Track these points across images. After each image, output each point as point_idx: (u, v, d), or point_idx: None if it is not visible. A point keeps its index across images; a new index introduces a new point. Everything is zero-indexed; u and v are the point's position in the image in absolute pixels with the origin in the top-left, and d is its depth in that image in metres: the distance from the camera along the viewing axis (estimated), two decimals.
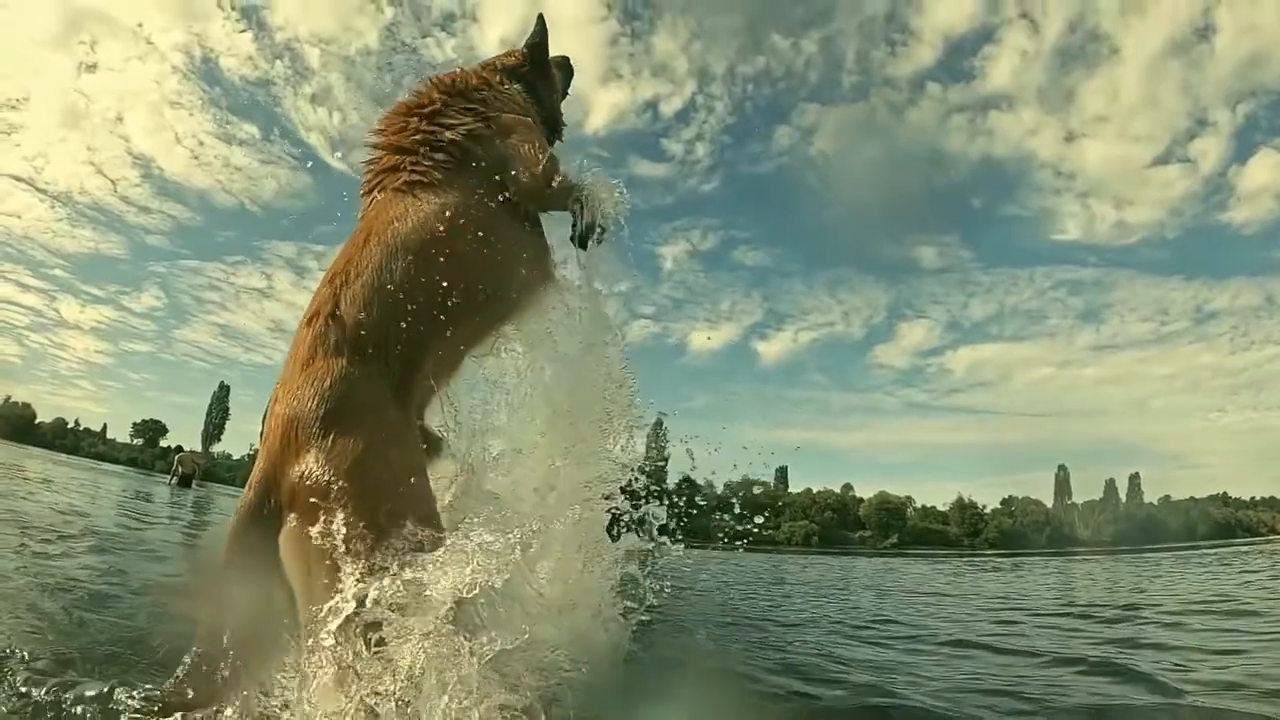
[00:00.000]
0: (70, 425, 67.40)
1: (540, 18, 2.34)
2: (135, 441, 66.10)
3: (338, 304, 1.62)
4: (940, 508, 58.57)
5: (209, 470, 41.26)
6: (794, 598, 5.45)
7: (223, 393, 66.82)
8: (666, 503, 2.38)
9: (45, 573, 2.51)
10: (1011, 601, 5.50)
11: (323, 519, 1.37)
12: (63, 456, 35.48)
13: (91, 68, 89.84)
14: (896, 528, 54.80)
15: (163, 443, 64.39)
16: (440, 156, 1.87)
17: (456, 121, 1.93)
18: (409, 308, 1.64)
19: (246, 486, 1.50)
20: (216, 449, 64.68)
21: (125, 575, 2.72)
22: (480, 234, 1.77)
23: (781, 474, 58.48)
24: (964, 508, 57.48)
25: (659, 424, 2.57)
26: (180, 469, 20.95)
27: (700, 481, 2.49)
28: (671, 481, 2.44)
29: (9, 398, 67.30)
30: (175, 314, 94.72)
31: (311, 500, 1.39)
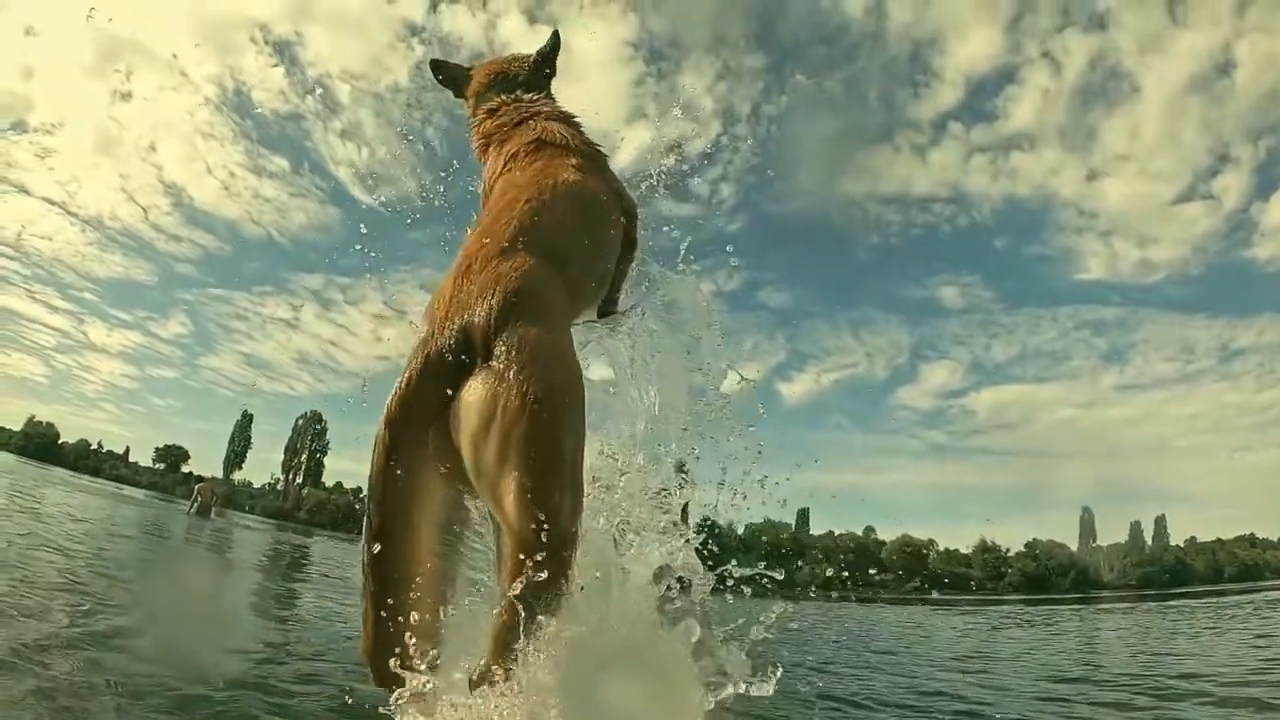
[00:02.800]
0: (93, 447, 68.15)
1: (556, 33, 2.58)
2: (157, 466, 66.68)
3: (539, 216, 1.76)
4: (963, 550, 57.30)
5: (229, 498, 41.46)
6: (861, 666, 5.30)
7: (245, 421, 67.20)
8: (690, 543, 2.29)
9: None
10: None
11: (543, 380, 1.45)
12: (85, 480, 35.87)
13: (126, 96, 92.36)
14: (918, 571, 53.67)
15: (184, 468, 64.88)
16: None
17: None
18: (579, 253, 1.84)
19: (428, 342, 1.51)
20: (237, 476, 64.99)
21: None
22: (612, 229, 2.07)
23: (803, 516, 57.68)
24: (987, 550, 56.19)
25: (681, 465, 2.55)
26: (199, 498, 21.10)
27: (722, 523, 2.43)
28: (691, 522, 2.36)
29: (33, 417, 68.30)
30: (201, 341, 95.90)
31: (534, 361, 1.46)
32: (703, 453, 2.51)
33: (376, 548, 1.46)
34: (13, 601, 2.47)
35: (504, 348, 1.47)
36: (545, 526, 1.39)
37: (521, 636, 1.40)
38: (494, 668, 1.41)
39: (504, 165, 2.14)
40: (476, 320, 1.50)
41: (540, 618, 1.41)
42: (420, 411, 1.48)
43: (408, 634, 1.46)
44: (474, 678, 1.42)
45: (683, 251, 2.59)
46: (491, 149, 2.27)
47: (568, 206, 1.88)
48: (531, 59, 2.50)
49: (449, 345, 1.49)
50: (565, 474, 1.46)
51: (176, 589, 3.92)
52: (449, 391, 1.48)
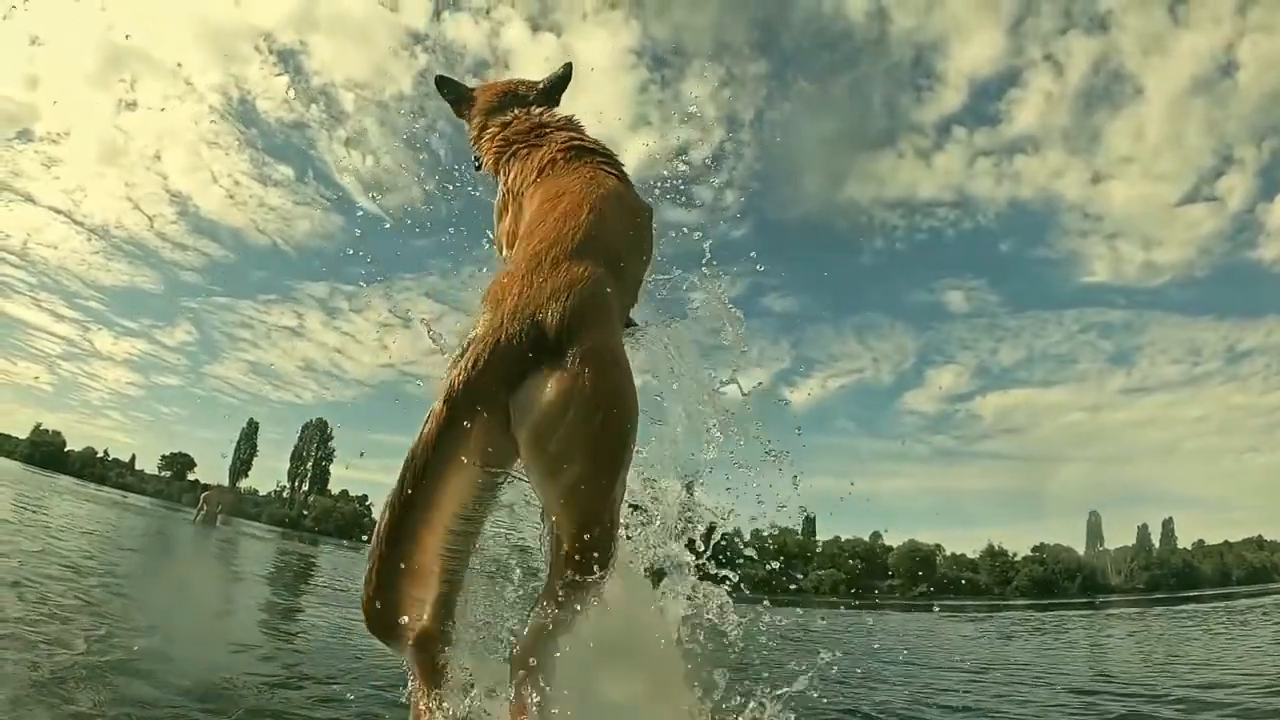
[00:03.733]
0: (99, 455, 68.30)
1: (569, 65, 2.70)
2: (163, 474, 66.79)
3: (601, 224, 1.85)
4: (970, 555, 57.01)
5: (236, 506, 41.49)
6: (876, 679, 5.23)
7: (251, 429, 67.42)
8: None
9: None
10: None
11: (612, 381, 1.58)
12: (90, 488, 35.94)
13: (131, 105, 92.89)
14: (926, 576, 53.39)
15: (190, 476, 64.96)
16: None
17: None
18: (630, 262, 1.96)
19: (497, 331, 1.57)
20: (243, 484, 65.09)
21: None
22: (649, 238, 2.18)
23: (809, 523, 57.55)
24: (994, 555, 55.94)
25: (689, 484, 2.56)
26: (205, 507, 21.22)
27: (728, 531, 2.50)
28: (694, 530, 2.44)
29: (40, 425, 68.47)
30: (206, 349, 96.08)
31: (605, 365, 1.58)
32: (715, 463, 2.53)
33: (399, 514, 1.53)
34: (33, 627, 2.45)
35: (577, 351, 1.56)
36: (600, 521, 1.55)
37: (567, 619, 1.56)
38: (533, 651, 1.56)
39: (539, 171, 2.20)
40: (549, 319, 1.57)
41: (583, 602, 1.57)
42: (482, 395, 1.54)
43: (410, 596, 1.59)
44: (514, 657, 1.58)
45: (707, 254, 2.66)
46: (515, 157, 2.33)
47: (620, 216, 2.00)
48: (541, 84, 2.60)
49: (519, 337, 1.56)
50: (621, 476, 1.61)
51: (190, 608, 3.90)
52: (512, 380, 1.56)
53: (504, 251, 2.36)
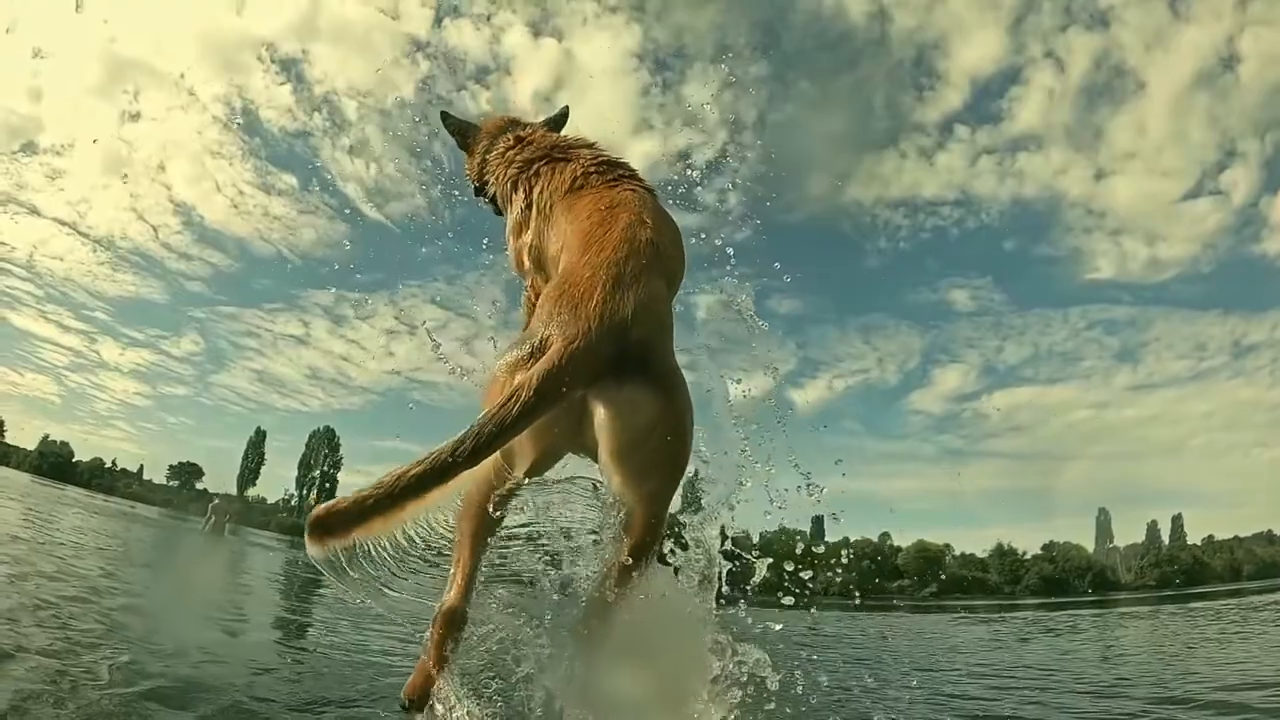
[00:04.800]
0: (107, 465, 68.56)
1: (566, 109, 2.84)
2: (171, 483, 67.05)
3: (661, 242, 1.99)
4: (979, 555, 56.79)
5: (244, 515, 41.60)
6: (900, 685, 5.19)
7: (259, 438, 67.63)
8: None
9: None
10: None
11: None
12: (99, 499, 36.03)
13: (134, 116, 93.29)
14: (935, 576, 53.19)
15: (198, 485, 65.18)
16: None
17: None
18: (677, 281, 2.14)
19: (585, 334, 1.69)
20: (251, 493, 65.30)
21: None
22: None
23: (817, 524, 57.47)
24: (1004, 554, 55.74)
25: (695, 473, 2.58)
26: (213, 517, 21.37)
27: (735, 534, 2.54)
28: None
29: (48, 436, 68.78)
30: (213, 359, 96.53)
31: (680, 388, 1.84)
32: (721, 463, 2.53)
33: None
34: (58, 658, 2.43)
35: (659, 371, 1.79)
36: (662, 521, 1.88)
37: (623, 595, 1.86)
38: (592, 621, 1.90)
39: (569, 185, 2.26)
40: (634, 334, 1.74)
41: (635, 582, 1.87)
42: (565, 390, 1.66)
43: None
44: (574, 629, 1.92)
45: (733, 262, 2.70)
46: (538, 174, 2.39)
47: (670, 234, 2.15)
48: (540, 121, 2.74)
49: (605, 344, 1.70)
50: (681, 482, 1.91)
51: (209, 628, 3.89)
52: (592, 383, 1.71)
53: (525, 265, 2.38)
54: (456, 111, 2.83)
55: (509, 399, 1.62)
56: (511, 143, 2.57)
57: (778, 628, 2.49)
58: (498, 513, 1.89)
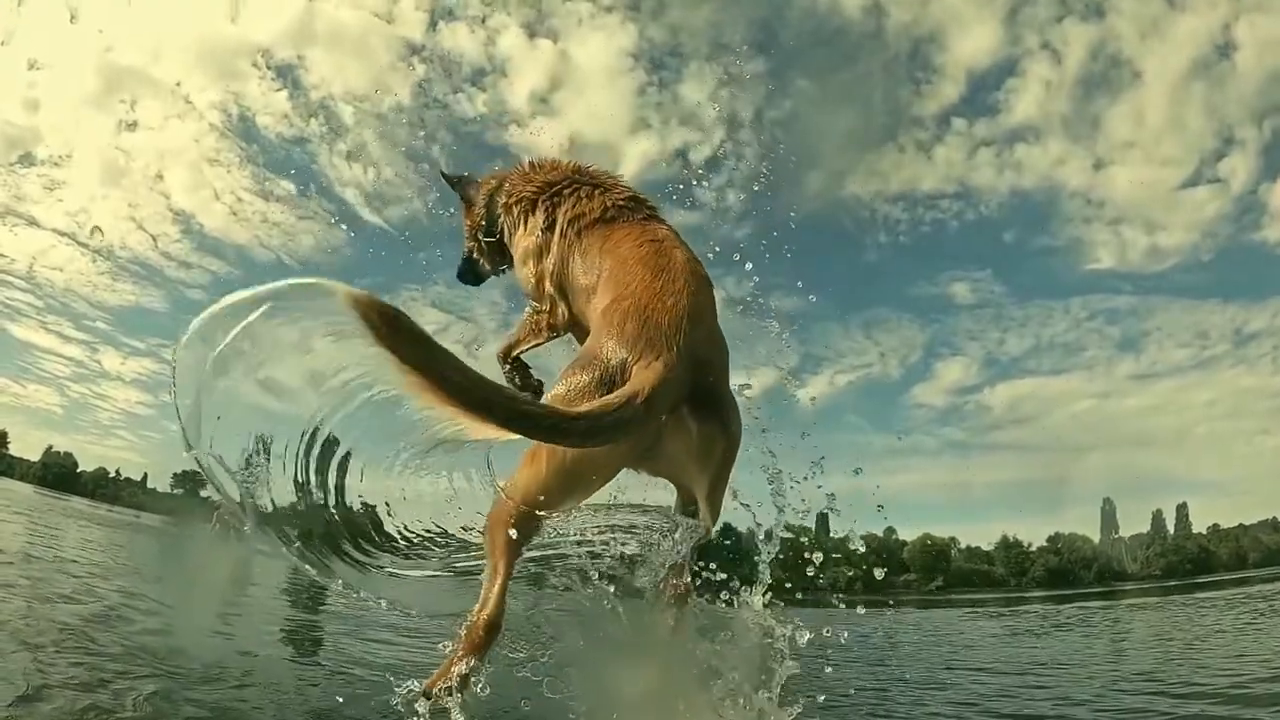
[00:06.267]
0: (111, 475, 68.46)
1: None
2: (175, 491, 66.95)
3: (707, 282, 2.15)
4: (985, 548, 56.79)
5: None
6: (923, 683, 5.15)
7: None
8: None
9: None
10: None
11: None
12: (103, 509, 35.94)
13: (132, 126, 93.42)
14: (941, 570, 53.17)
15: (203, 494, 65.02)
16: None
17: None
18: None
19: (675, 361, 1.80)
20: None
21: None
22: None
23: (822, 520, 57.48)
24: (1009, 547, 55.70)
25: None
26: (218, 524, 21.25)
27: (743, 530, 2.62)
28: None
29: (51, 447, 68.70)
30: (214, 366, 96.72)
31: (738, 417, 2.06)
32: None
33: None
34: (88, 691, 2.38)
35: (728, 401, 2.03)
36: (719, 512, 2.13)
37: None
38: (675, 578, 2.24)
39: (600, 215, 2.29)
40: (711, 374, 1.94)
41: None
42: (657, 409, 1.74)
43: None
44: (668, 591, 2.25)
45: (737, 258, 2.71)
46: (562, 197, 2.38)
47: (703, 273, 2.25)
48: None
49: (690, 374, 1.84)
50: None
51: (230, 648, 3.85)
52: (675, 406, 1.84)
53: (546, 289, 2.36)
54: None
55: (624, 402, 1.65)
56: (528, 168, 2.56)
57: (806, 636, 2.48)
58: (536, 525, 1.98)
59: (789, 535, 2.47)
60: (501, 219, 2.55)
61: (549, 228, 2.33)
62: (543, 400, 2.03)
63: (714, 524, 2.11)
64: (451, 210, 2.89)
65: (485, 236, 2.64)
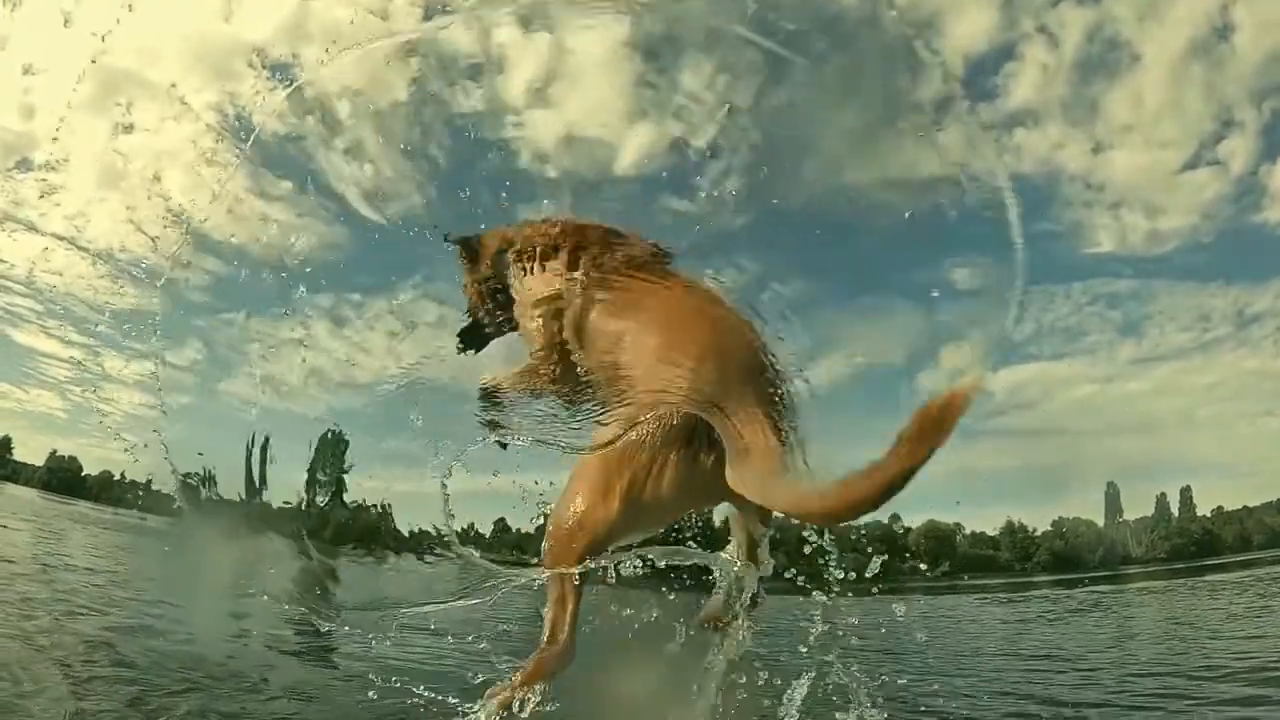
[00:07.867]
0: (116, 478, 68.63)
1: None
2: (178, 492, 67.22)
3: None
4: (990, 533, 56.89)
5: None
6: (945, 672, 5.14)
7: (265, 443, 67.87)
8: None
9: None
10: None
11: None
12: (109, 513, 35.89)
13: (128, 128, 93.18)
14: (947, 556, 53.31)
15: (203, 494, 65.30)
16: None
17: None
18: None
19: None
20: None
21: None
22: None
23: None
24: (1014, 532, 55.80)
25: None
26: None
27: None
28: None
29: (55, 451, 68.85)
30: (216, 367, 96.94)
31: None
32: None
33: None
34: (133, 710, 2.37)
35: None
36: None
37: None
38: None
39: (625, 258, 2.33)
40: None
41: None
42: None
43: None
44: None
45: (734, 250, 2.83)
46: (587, 240, 2.39)
47: None
48: None
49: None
50: None
51: (251, 651, 3.85)
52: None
53: (559, 333, 2.32)
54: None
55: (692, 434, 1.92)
56: (544, 216, 2.56)
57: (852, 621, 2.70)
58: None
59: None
60: (510, 270, 2.52)
61: (571, 270, 2.31)
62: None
63: (768, 529, 2.27)
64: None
65: (492, 294, 2.61)
